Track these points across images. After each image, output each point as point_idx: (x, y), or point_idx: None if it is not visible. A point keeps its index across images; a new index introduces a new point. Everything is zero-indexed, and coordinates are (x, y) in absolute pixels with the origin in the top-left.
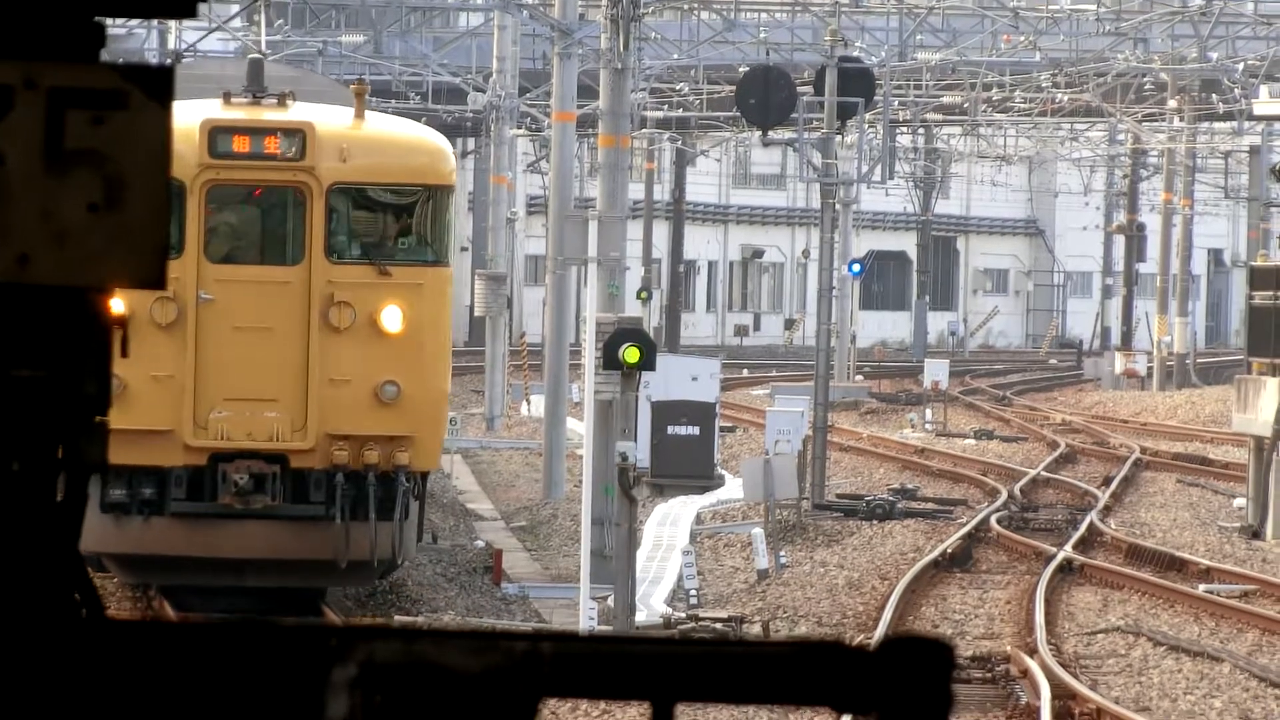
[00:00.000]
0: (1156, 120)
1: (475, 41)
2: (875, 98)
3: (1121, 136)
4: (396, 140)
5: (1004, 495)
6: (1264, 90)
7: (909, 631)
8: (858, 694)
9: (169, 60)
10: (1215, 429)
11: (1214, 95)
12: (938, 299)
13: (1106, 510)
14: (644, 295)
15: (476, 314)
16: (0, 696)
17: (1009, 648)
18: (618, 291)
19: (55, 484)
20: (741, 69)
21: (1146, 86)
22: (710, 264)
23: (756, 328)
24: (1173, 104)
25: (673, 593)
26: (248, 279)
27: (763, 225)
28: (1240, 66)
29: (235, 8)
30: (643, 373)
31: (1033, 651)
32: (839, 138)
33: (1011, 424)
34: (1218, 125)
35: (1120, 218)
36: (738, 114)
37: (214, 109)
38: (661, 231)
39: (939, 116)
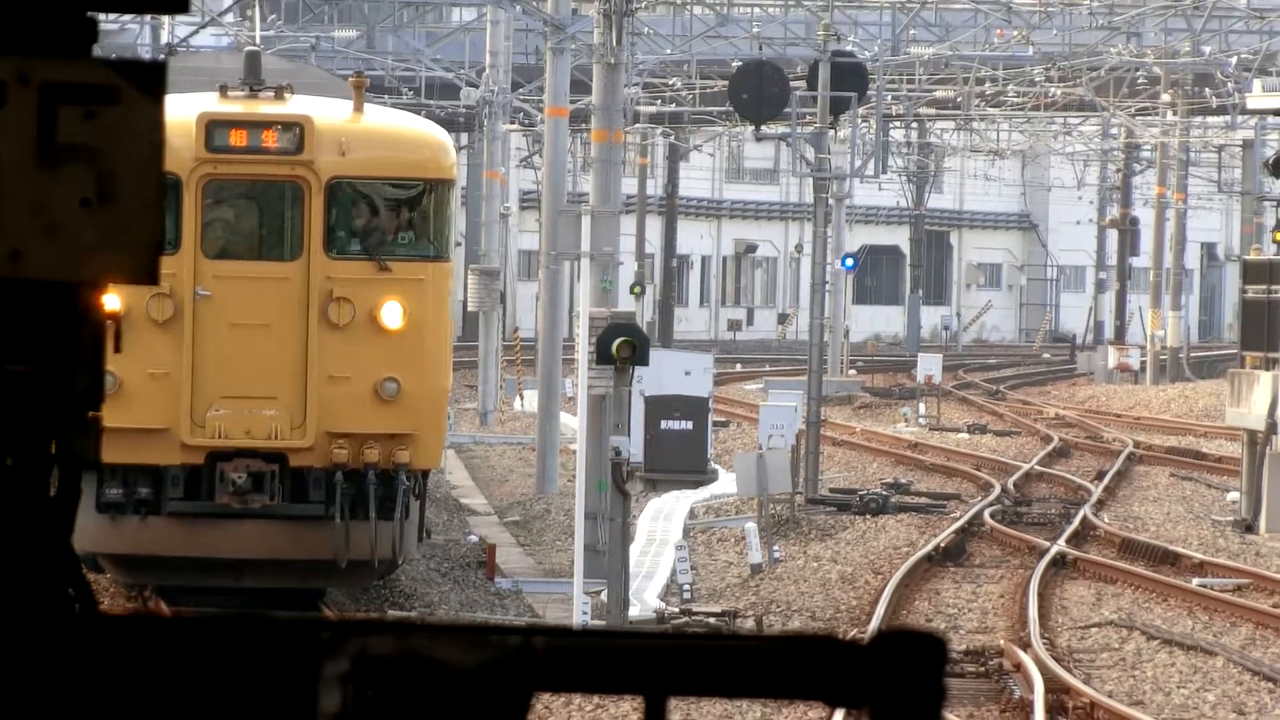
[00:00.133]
0: (1150, 114)
1: (468, 36)
2: (868, 92)
3: (1115, 130)
4: (396, 134)
5: (997, 489)
6: (1257, 84)
7: (902, 626)
8: (851, 688)
9: (161, 55)
10: (1209, 423)
11: (1207, 89)
12: (931, 293)
13: (1100, 504)
14: (637, 290)
15: (470, 309)
16: None
17: (1002, 642)
18: (611, 286)
19: (48, 479)
20: (734, 63)
21: (1140, 80)
22: (703, 259)
23: (750, 322)
24: (1166, 98)
25: (666, 587)
26: (245, 275)
27: (756, 220)
28: (1233, 60)
29: (228, 2)
30: (636, 367)
31: (1026, 645)
32: (832, 132)
33: (1005, 418)
34: (1211, 119)
35: (1113, 212)
36: (731, 109)
37: (210, 102)
38: (655, 226)
39: (932, 111)
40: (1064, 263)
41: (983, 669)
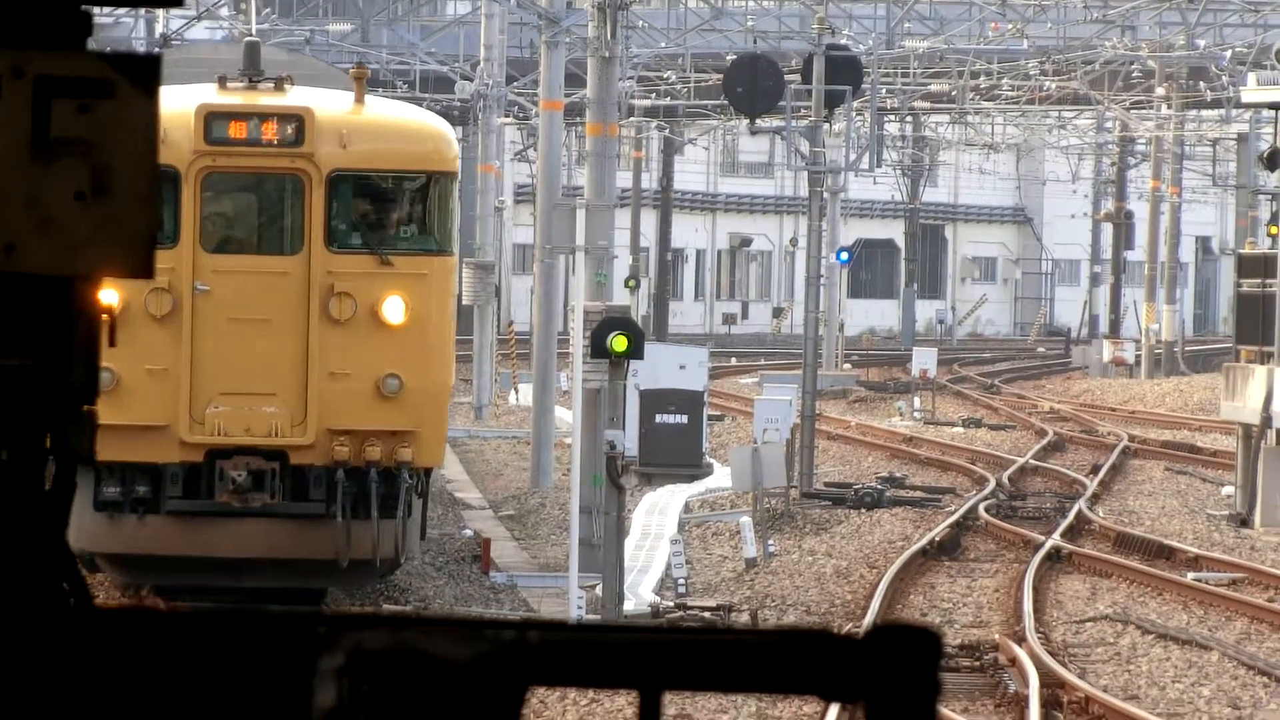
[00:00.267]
0: (1144, 108)
1: (463, 30)
2: (863, 86)
3: (1109, 124)
4: (398, 125)
5: (992, 483)
6: (1252, 78)
7: (897, 620)
8: (845, 682)
9: (156, 47)
10: (1203, 417)
11: (1202, 83)
12: (926, 287)
13: (1095, 498)
14: (632, 284)
15: (464, 303)
16: None
17: (997, 636)
18: (605, 280)
19: (43, 473)
20: (729, 57)
21: (1134, 74)
22: (698, 252)
23: (744, 316)
24: (1160, 91)
25: (661, 581)
26: (245, 269)
27: (750, 213)
28: (1228, 54)
29: None
30: (631, 361)
31: (1021, 640)
32: (827, 126)
33: (1000, 412)
34: (1205, 113)
35: (1108, 205)
36: (725, 102)
37: (209, 94)
38: (649, 220)
39: (927, 104)
40: (1059, 256)
41: (978, 663)
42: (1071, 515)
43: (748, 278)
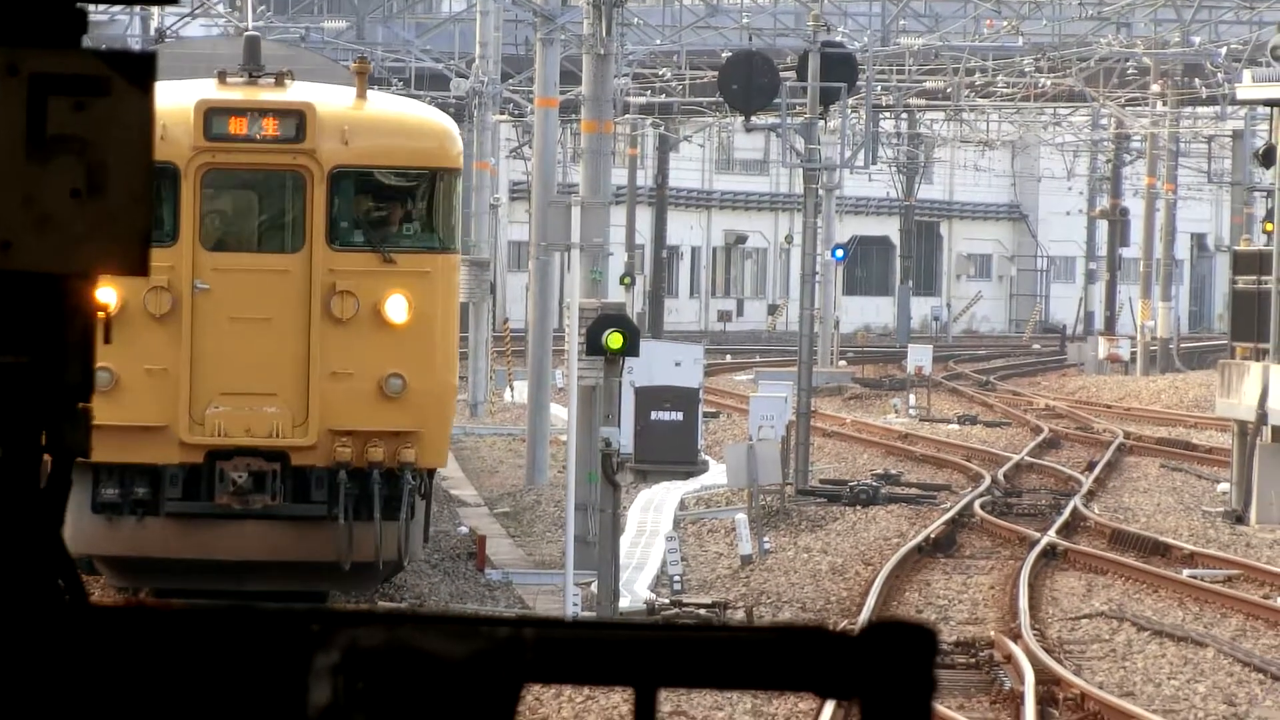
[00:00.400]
0: (1139, 105)
1: (458, 27)
2: (858, 83)
3: (1104, 121)
4: (401, 121)
5: (987, 480)
6: (1247, 74)
7: (892, 617)
8: (841, 680)
9: (153, 41)
10: (1199, 414)
11: (1197, 79)
12: (921, 284)
13: (1090, 495)
14: (627, 281)
15: (459, 300)
16: None
17: (993, 633)
18: (601, 277)
19: (38, 470)
20: (724, 54)
21: (1129, 71)
22: (693, 249)
23: (739, 313)
24: (1156, 88)
25: (656, 578)
26: (245, 267)
27: (745, 210)
28: (1223, 51)
29: None
30: (626, 358)
31: (1016, 637)
32: (822, 123)
33: (995, 409)
34: (1201, 109)
35: (1103, 202)
36: (720, 99)
37: (209, 89)
38: (644, 217)
39: (922, 101)
40: (1054, 253)
41: (973, 660)
42: (1067, 512)
43: (743, 275)
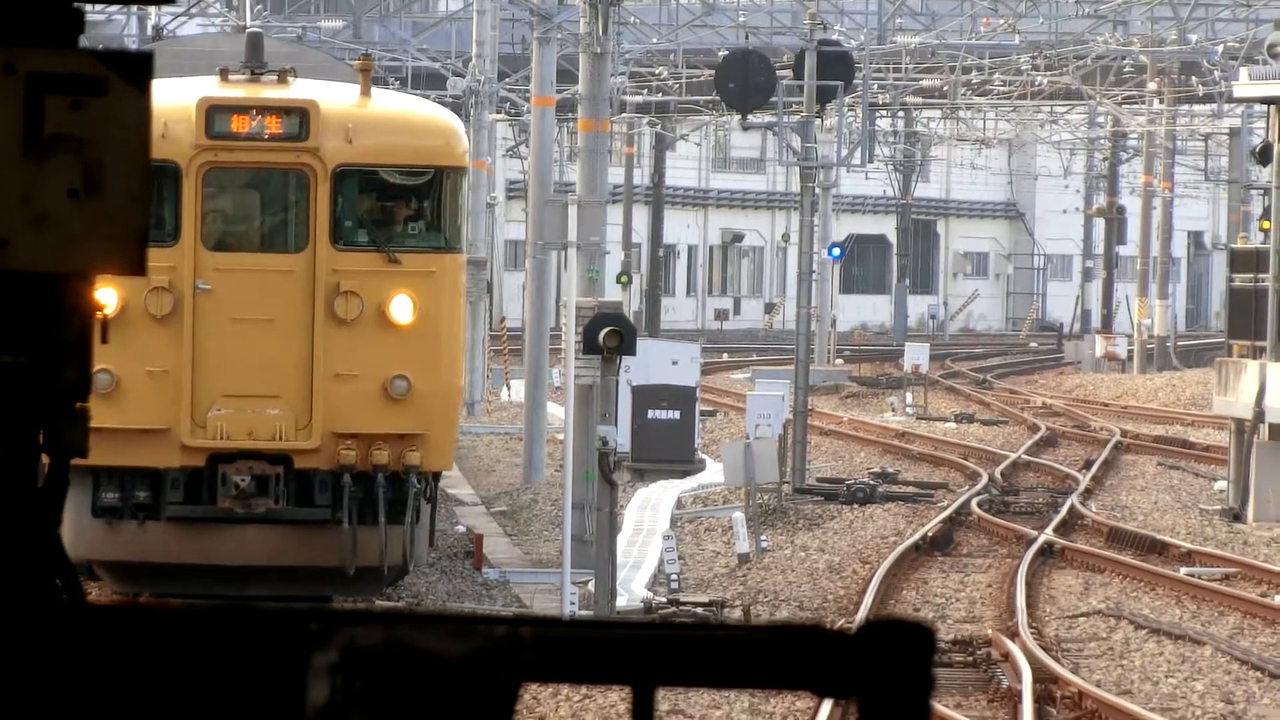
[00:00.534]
0: (1136, 103)
1: (454, 26)
2: (854, 81)
3: (1101, 119)
4: (406, 119)
5: (985, 479)
6: (1243, 72)
7: (890, 615)
8: (839, 678)
9: (150, 37)
10: (1196, 412)
11: (1193, 77)
12: (918, 282)
13: (1087, 493)
14: (624, 280)
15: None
16: None
17: (990, 631)
18: (597, 276)
19: (36, 470)
20: (721, 53)
21: (1126, 69)
22: (690, 248)
23: (736, 312)
24: (1152, 86)
25: (653, 577)
26: (248, 267)
27: (742, 209)
28: (1219, 49)
29: None
30: (623, 357)
31: (1014, 635)
32: (818, 121)
33: (992, 407)
34: (1197, 107)
35: (1100, 200)
36: (717, 98)
37: (211, 86)
38: (641, 216)
39: (918, 100)
40: (1051, 251)
41: (970, 658)
42: (1064, 510)
43: (740, 273)
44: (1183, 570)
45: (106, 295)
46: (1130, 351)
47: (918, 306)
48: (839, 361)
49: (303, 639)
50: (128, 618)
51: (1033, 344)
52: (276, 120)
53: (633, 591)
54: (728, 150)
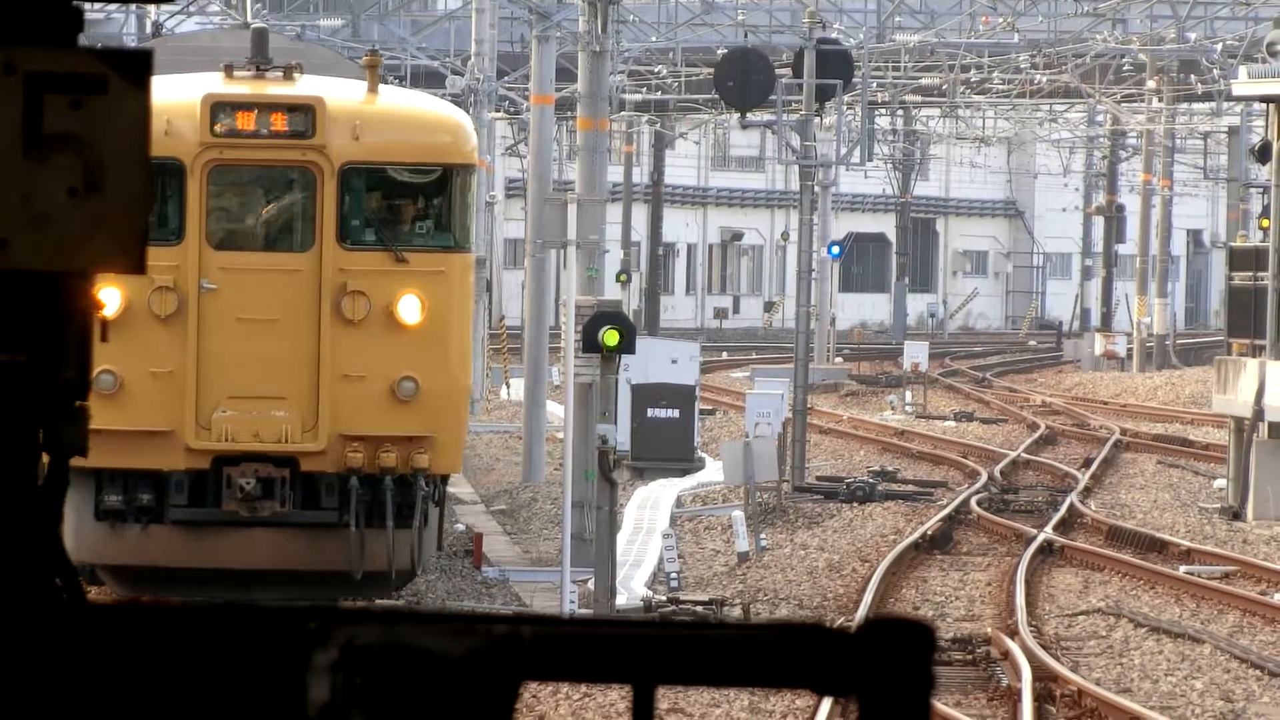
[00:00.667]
0: (1135, 101)
1: (453, 25)
2: (854, 79)
3: (1100, 117)
4: (414, 116)
5: (984, 477)
6: (1243, 71)
7: (890, 614)
8: (839, 677)
9: (150, 33)
10: (1195, 410)
11: (1193, 76)
12: (917, 281)
13: (1087, 492)
14: (623, 278)
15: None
16: None
17: (990, 629)
18: (597, 274)
19: (35, 469)
20: (720, 51)
21: (1125, 67)
22: (689, 247)
23: (736, 310)
24: (1151, 85)
25: (653, 576)
26: (253, 267)
27: (742, 208)
28: (1219, 47)
29: None
30: (622, 356)
31: (1013, 633)
32: (817, 120)
33: (991, 406)
34: (1196, 106)
35: (1099, 199)
36: (716, 96)
37: (215, 83)
38: (640, 214)
39: (917, 98)
40: (1050, 250)
41: (970, 657)
42: (1063, 509)
43: (739, 272)
44: (1182, 568)
45: (110, 295)
46: (1129, 350)
47: (917, 305)
48: (838, 360)
49: (303, 637)
50: (127, 617)
51: (1032, 342)
52: (282, 117)
53: (632, 590)
54: (727, 149)
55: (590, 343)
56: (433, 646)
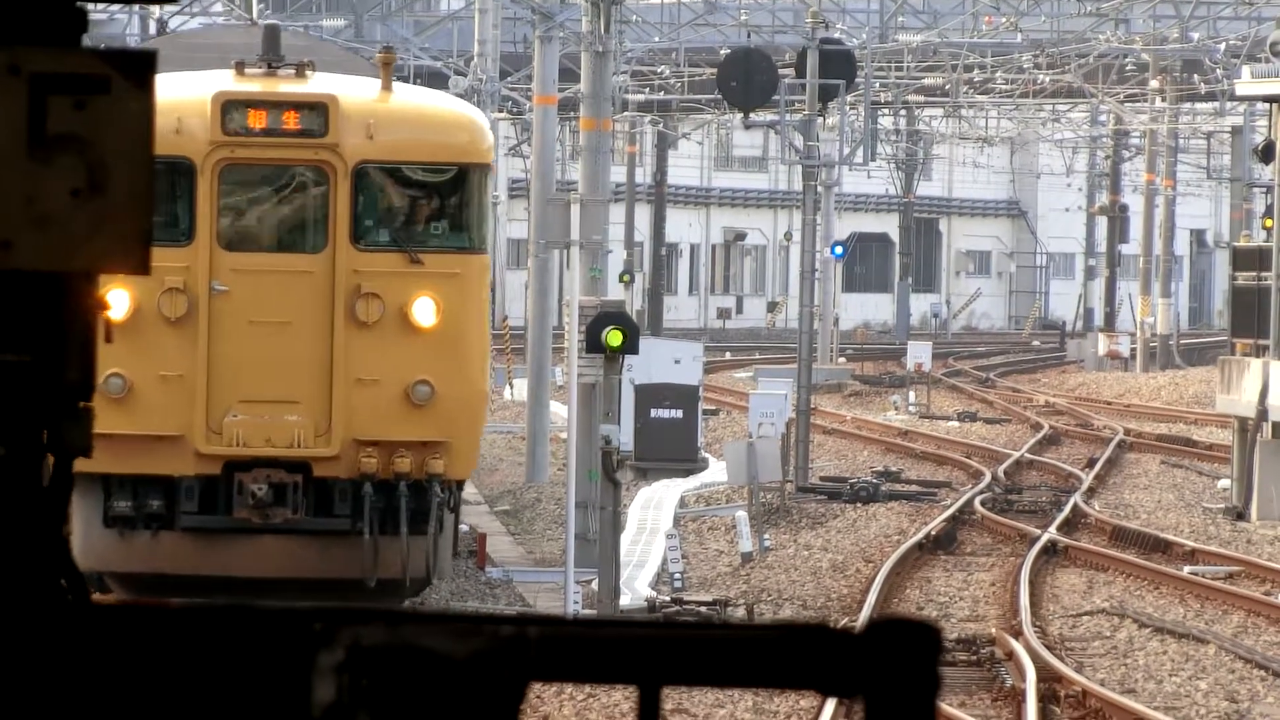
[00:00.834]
0: (1138, 101)
1: (456, 25)
2: (856, 79)
3: (1103, 117)
4: (429, 114)
5: (988, 477)
6: (1246, 70)
7: (896, 614)
8: (845, 678)
9: (155, 35)
10: (1199, 410)
11: (1196, 76)
12: (920, 281)
13: (1090, 492)
14: (626, 278)
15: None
16: None
17: (994, 630)
18: (600, 275)
19: (40, 469)
20: (723, 51)
21: (1128, 67)
22: (692, 247)
23: (739, 310)
24: (1154, 84)
25: (657, 576)
26: (266, 268)
27: (745, 208)
28: (1222, 47)
29: None
30: (625, 356)
31: (1018, 634)
32: (820, 120)
33: (995, 406)
34: (1200, 105)
35: (1103, 199)
36: (719, 96)
37: (226, 80)
38: (643, 215)
39: (920, 98)
40: (1053, 250)
41: (974, 657)
42: (1067, 509)
43: (742, 272)
44: (1186, 569)
45: (119, 297)
46: (1133, 350)
47: (920, 305)
48: (842, 360)
49: (308, 638)
50: (132, 618)
51: (1035, 342)
52: (295, 115)
53: (636, 590)
54: (730, 149)
55: (593, 343)
56: (438, 647)
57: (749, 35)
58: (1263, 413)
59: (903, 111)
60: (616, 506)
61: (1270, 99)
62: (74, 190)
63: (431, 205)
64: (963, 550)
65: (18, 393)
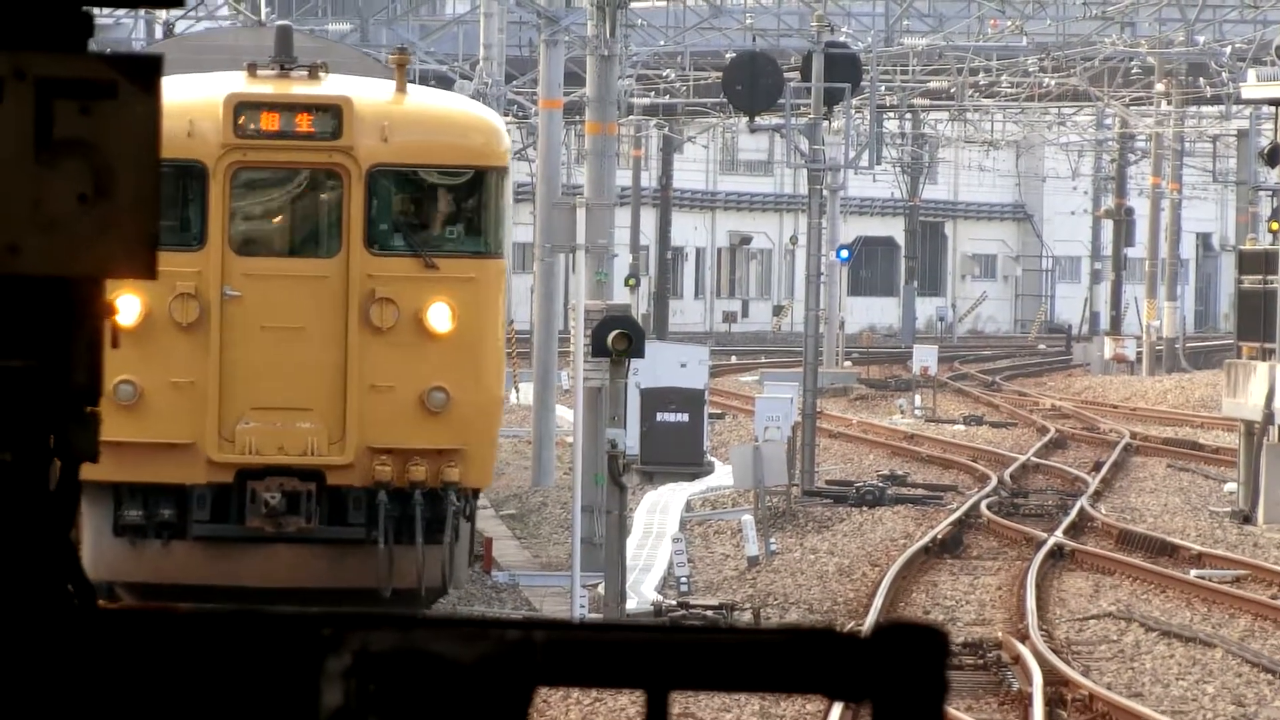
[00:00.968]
0: (1144, 104)
1: (462, 29)
2: (862, 83)
3: (1109, 121)
4: (444, 116)
5: (994, 481)
6: (1251, 74)
7: (902, 618)
8: (852, 682)
9: (162, 38)
10: (1205, 413)
11: (1201, 79)
12: (926, 284)
13: (1097, 495)
14: (632, 282)
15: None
16: None
17: (1000, 634)
18: (606, 279)
19: (47, 474)
20: (728, 55)
21: (1134, 70)
22: (698, 251)
23: (744, 314)
24: (1160, 88)
25: (663, 580)
26: (278, 273)
27: (750, 211)
28: (1227, 50)
29: None
30: (631, 360)
31: (1024, 638)
32: (826, 123)
33: (1001, 409)
34: (1205, 109)
35: (1108, 202)
36: (724, 100)
37: (238, 82)
38: (649, 218)
39: (926, 102)
40: (1059, 253)
41: (981, 661)
42: (1074, 513)
43: (748, 276)
44: (1193, 572)
45: (129, 303)
46: (1139, 353)
47: (926, 309)
48: (847, 364)
49: (316, 643)
50: (140, 622)
51: (1041, 346)
52: (308, 118)
53: (642, 594)
54: (735, 152)
55: (599, 347)
56: (446, 652)
57: (754, 39)
58: (1269, 416)
59: (908, 115)
60: (622, 510)
61: (1276, 102)
62: (80, 195)
63: (447, 209)
64: (969, 554)
65: (24, 397)
